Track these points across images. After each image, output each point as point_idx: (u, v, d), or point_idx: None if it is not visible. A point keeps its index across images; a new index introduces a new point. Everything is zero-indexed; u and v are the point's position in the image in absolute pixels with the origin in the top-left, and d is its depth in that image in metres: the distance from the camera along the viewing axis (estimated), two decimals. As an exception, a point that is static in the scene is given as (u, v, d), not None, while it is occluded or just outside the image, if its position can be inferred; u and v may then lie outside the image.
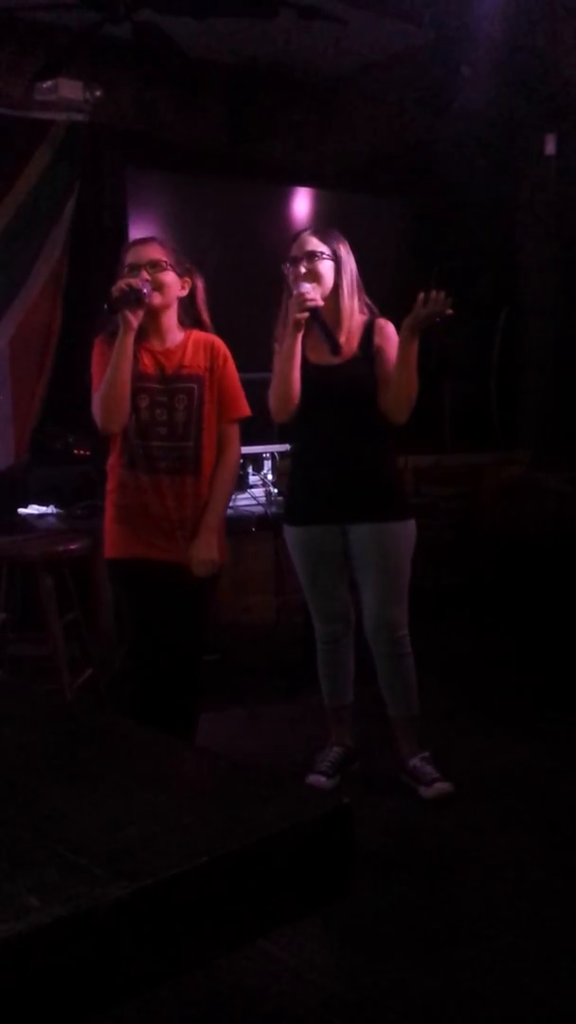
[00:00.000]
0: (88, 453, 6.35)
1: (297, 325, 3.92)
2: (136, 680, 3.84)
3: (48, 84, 6.76)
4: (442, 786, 4.04)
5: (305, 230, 4.13)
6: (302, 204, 8.63)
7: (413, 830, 3.86)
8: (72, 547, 4.75)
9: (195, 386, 3.73)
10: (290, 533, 4.20)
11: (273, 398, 4.07)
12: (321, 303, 3.94)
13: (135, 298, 3.55)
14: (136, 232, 7.38)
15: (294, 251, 4.04)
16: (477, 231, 8.09)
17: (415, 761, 4.12)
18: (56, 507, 5.71)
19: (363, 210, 8.44)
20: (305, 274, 3.96)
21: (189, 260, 3.83)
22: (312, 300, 3.89)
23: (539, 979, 2.86)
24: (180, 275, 3.75)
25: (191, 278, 3.80)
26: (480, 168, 7.80)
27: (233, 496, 5.24)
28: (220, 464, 3.81)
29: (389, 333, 4.06)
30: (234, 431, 3.86)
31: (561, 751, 4.56)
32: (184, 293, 3.78)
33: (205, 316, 3.87)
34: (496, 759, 4.48)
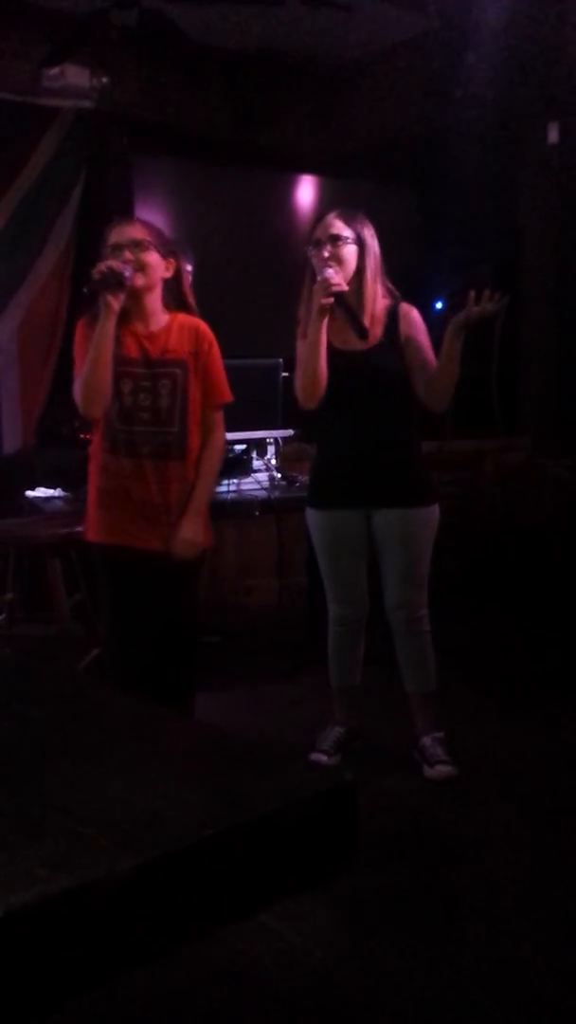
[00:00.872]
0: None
1: (322, 311, 3.90)
2: (113, 668, 3.85)
3: (54, 71, 6.75)
4: (445, 769, 4.08)
5: (330, 212, 4.08)
6: (307, 191, 8.62)
7: (414, 809, 3.89)
8: (79, 529, 4.72)
9: (179, 371, 3.67)
10: (313, 516, 4.22)
11: (300, 385, 4.06)
12: (346, 288, 3.93)
13: (115, 281, 3.49)
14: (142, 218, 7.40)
15: (318, 234, 4.02)
16: (479, 219, 8.08)
17: (427, 740, 4.17)
18: (63, 490, 5.74)
19: (366, 197, 8.42)
20: (328, 258, 3.95)
21: (185, 246, 3.79)
22: (337, 285, 3.88)
23: (537, 957, 2.88)
24: (164, 256, 3.68)
25: (176, 260, 3.74)
26: (483, 156, 7.78)
27: (237, 480, 5.28)
28: (206, 449, 3.77)
29: (414, 319, 4.07)
30: (219, 416, 3.82)
31: (560, 734, 4.59)
32: (169, 275, 3.71)
33: (191, 299, 3.81)
34: (496, 742, 4.51)
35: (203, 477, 3.76)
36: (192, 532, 3.69)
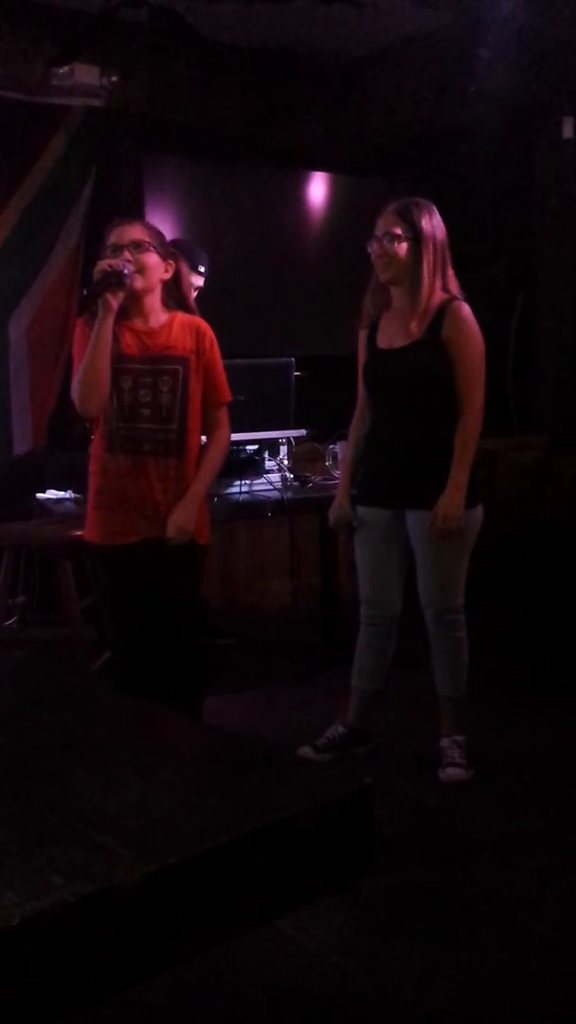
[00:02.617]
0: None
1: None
2: (117, 666, 3.85)
3: (64, 69, 6.75)
4: (455, 772, 4.07)
5: (390, 205, 4.04)
6: (318, 189, 8.61)
7: (430, 812, 3.88)
8: (90, 531, 4.74)
9: (180, 368, 3.68)
10: (356, 511, 4.22)
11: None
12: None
13: (115, 280, 3.50)
14: (152, 217, 7.38)
15: (376, 229, 4.01)
16: (494, 215, 8.06)
17: (445, 741, 4.16)
18: (73, 492, 5.72)
19: (380, 194, 8.44)
20: (382, 255, 3.96)
21: (191, 248, 3.79)
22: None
23: (551, 961, 2.87)
24: (163, 258, 3.69)
25: (176, 262, 3.74)
26: (497, 152, 7.77)
27: (249, 481, 5.26)
28: (211, 445, 3.81)
29: (459, 320, 3.97)
30: (223, 413, 3.84)
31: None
32: (168, 276, 3.71)
33: (191, 301, 3.84)
34: (515, 743, 4.50)
35: (203, 470, 3.77)
36: (183, 518, 3.68)
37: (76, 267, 7.10)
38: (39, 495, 5.71)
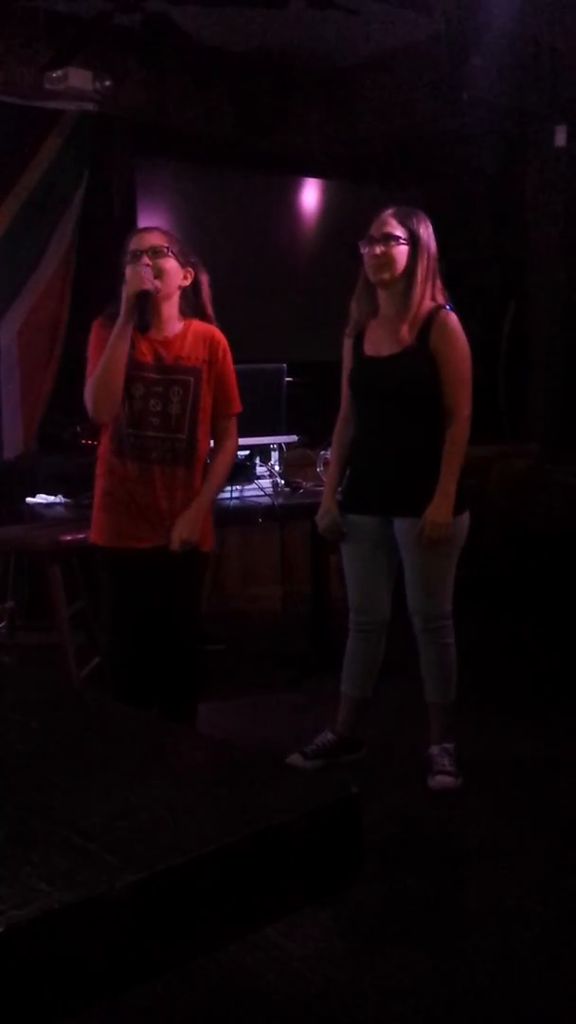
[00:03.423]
0: (95, 443, 6.35)
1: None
2: (112, 671, 3.85)
3: (58, 74, 6.73)
4: (444, 779, 4.07)
5: (386, 210, 4.06)
6: (311, 195, 8.62)
7: (418, 820, 3.88)
8: (80, 536, 4.72)
9: (192, 379, 3.70)
10: (343, 519, 4.23)
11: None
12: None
13: (144, 298, 3.55)
14: (145, 222, 7.38)
15: (372, 230, 4.01)
16: (486, 223, 8.08)
17: (435, 749, 4.16)
18: (64, 496, 5.71)
19: (372, 201, 8.42)
20: (379, 255, 3.95)
21: (195, 254, 3.81)
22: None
23: (541, 970, 2.87)
24: (183, 265, 3.71)
25: (195, 270, 3.77)
26: (490, 159, 7.78)
27: (240, 487, 5.25)
28: (218, 455, 3.84)
29: (448, 330, 3.99)
30: (232, 424, 3.87)
31: (568, 743, 4.57)
32: (186, 283, 3.74)
33: (209, 310, 3.84)
34: (503, 750, 4.50)
35: (210, 480, 3.80)
36: (188, 530, 3.71)
37: (68, 272, 7.09)
38: (29, 499, 5.70)
